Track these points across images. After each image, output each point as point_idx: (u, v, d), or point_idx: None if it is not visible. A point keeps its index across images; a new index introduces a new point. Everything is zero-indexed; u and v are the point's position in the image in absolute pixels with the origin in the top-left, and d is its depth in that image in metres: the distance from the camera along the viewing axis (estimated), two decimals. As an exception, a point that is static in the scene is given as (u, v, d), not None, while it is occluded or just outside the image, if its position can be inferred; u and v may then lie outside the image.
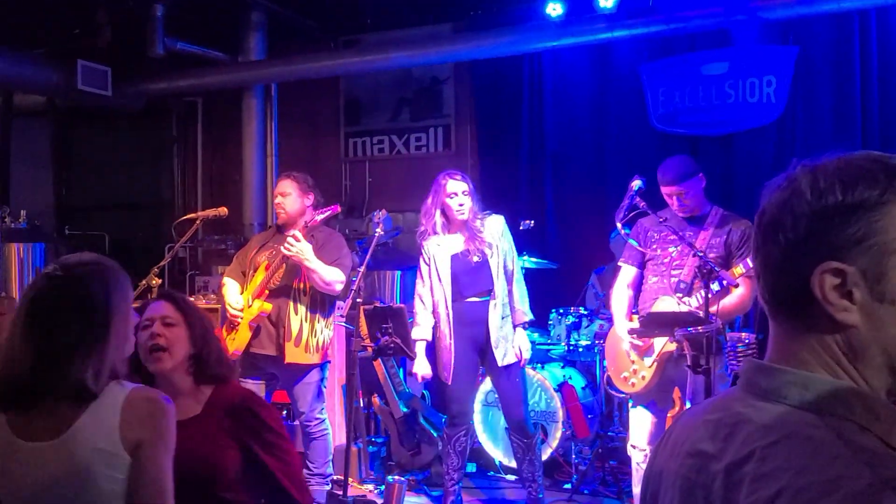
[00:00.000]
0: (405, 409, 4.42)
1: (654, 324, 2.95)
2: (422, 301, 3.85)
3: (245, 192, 6.81)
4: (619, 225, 3.08)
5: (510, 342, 3.73)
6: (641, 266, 3.54)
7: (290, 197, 3.96)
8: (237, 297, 3.87)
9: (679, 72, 5.76)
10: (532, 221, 5.01)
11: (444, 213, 3.84)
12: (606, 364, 3.80)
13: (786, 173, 0.90)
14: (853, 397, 0.82)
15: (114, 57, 6.54)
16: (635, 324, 3.34)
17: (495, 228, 3.85)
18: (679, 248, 3.33)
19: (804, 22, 5.27)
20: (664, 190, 3.42)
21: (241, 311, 3.80)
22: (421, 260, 3.92)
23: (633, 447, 3.54)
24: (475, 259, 3.79)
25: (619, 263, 3.67)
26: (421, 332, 3.79)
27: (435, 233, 3.87)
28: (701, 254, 2.96)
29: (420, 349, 3.76)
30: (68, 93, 6.36)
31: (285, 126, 7.10)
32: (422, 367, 3.76)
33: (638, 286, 3.58)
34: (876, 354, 0.83)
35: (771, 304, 0.90)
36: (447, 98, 6.83)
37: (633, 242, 3.31)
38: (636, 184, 3.20)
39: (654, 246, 3.46)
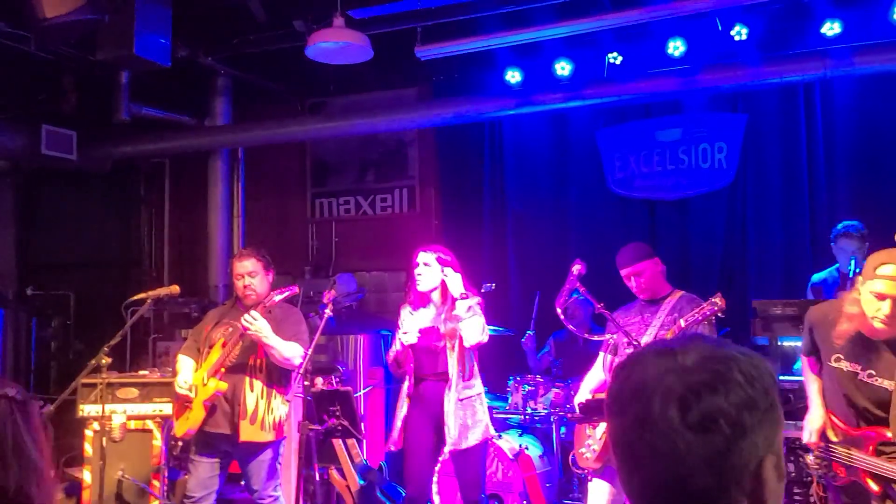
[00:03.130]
0: (362, 482, 4.42)
1: (593, 410, 3.01)
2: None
3: (211, 254, 6.83)
4: (558, 310, 3.15)
5: (469, 423, 3.73)
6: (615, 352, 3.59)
7: (257, 276, 3.95)
8: (188, 374, 3.87)
9: (634, 138, 5.93)
10: (493, 284, 5.06)
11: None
12: (574, 442, 3.78)
13: (669, 361, 0.89)
14: None
15: (79, 121, 6.59)
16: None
17: (462, 309, 3.77)
18: (634, 332, 3.43)
19: (752, 92, 5.47)
20: (622, 272, 3.61)
21: (190, 389, 3.80)
22: (398, 324, 3.93)
23: None
24: (437, 341, 3.78)
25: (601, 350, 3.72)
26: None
27: (411, 302, 3.91)
28: (636, 342, 3.05)
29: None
30: (32, 157, 6.39)
31: (252, 187, 7.17)
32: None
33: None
34: None
35: (691, 498, 0.87)
36: (412, 160, 6.95)
37: (570, 327, 3.40)
38: (576, 268, 3.28)
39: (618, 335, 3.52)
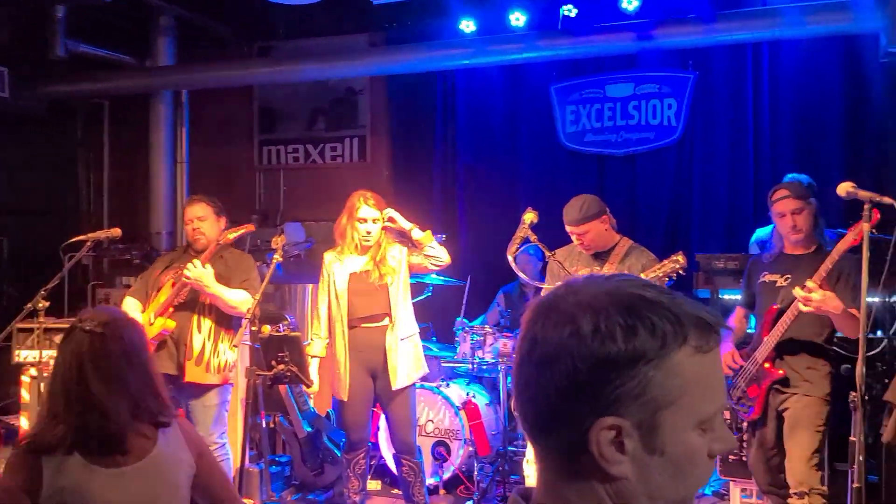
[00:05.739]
0: (309, 429, 4.42)
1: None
2: (318, 317, 3.86)
3: (153, 200, 6.64)
4: (510, 258, 3.16)
5: (411, 362, 3.78)
6: None
7: (207, 220, 3.89)
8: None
9: (586, 92, 5.94)
10: (444, 235, 5.06)
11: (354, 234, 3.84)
12: None
13: (554, 298, 0.88)
14: None
15: (12, 57, 6.25)
16: None
17: (399, 251, 3.87)
18: None
19: (702, 50, 5.51)
20: (566, 228, 3.50)
21: None
22: (321, 273, 3.91)
23: (528, 461, 3.67)
24: (374, 281, 3.78)
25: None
26: (315, 348, 3.82)
27: (339, 247, 3.88)
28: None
29: (314, 367, 3.77)
30: (-39, 94, 6.06)
31: (197, 132, 6.95)
32: (316, 386, 3.78)
33: None
34: (643, 501, 0.84)
35: (539, 440, 0.88)
36: (363, 109, 6.83)
37: (521, 275, 3.41)
38: (528, 216, 3.28)
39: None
